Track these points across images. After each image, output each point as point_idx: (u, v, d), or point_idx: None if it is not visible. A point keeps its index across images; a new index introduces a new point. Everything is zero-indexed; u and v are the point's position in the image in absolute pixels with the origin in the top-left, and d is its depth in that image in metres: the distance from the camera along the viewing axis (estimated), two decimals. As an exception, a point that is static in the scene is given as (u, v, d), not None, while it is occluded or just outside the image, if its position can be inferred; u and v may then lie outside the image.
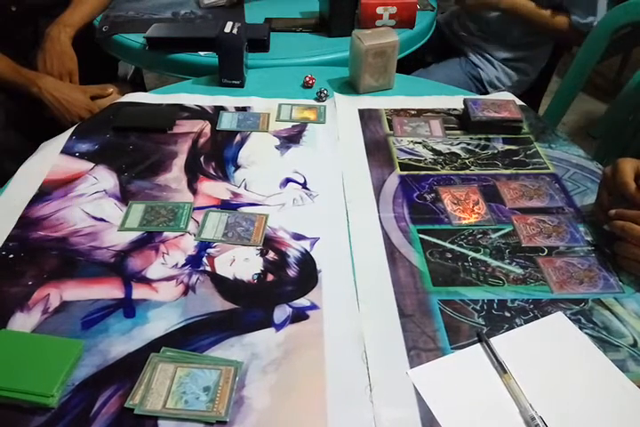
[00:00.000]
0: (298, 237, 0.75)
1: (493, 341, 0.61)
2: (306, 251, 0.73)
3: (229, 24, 1.04)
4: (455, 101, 1.03)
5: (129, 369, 0.58)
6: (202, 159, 0.89)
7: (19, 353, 0.58)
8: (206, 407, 0.54)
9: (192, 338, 0.61)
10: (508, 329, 0.63)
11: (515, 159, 0.91)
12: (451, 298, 0.67)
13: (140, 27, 1.27)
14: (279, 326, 0.63)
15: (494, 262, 0.72)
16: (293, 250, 0.73)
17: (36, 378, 0.55)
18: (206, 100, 1.04)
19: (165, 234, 0.74)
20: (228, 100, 1.04)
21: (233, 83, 1.08)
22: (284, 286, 0.68)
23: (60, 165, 0.86)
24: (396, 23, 1.30)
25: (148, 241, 0.73)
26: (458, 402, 0.56)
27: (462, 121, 0.99)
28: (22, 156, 0.86)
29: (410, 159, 0.90)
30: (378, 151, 0.92)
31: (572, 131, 2.33)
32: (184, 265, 0.70)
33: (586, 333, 0.63)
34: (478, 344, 0.62)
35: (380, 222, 0.77)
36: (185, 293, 0.67)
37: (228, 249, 0.73)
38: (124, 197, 0.81)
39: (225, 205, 0.80)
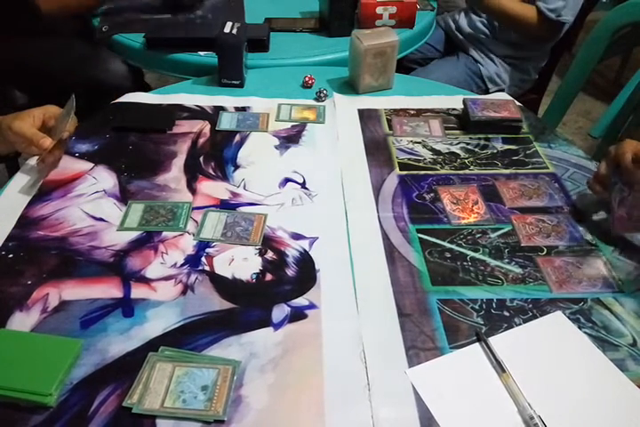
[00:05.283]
0: (297, 236, 0.75)
1: (492, 340, 0.61)
2: (304, 250, 0.73)
3: (229, 24, 1.04)
4: (454, 101, 1.03)
5: (127, 368, 0.58)
6: (201, 159, 0.89)
7: (17, 352, 0.58)
8: (204, 406, 0.54)
9: (190, 337, 0.61)
10: (506, 329, 0.63)
11: (514, 159, 0.91)
12: (449, 297, 0.67)
13: (140, 27, 1.27)
14: (277, 326, 0.63)
15: (493, 262, 0.72)
16: (292, 249, 0.73)
17: (35, 377, 0.55)
18: (206, 100, 1.04)
19: (164, 234, 0.75)
20: (228, 100, 1.04)
21: (233, 83, 1.08)
22: (282, 286, 0.68)
23: (60, 166, 0.86)
24: (396, 23, 1.30)
25: (147, 241, 0.73)
26: (456, 401, 0.56)
27: (462, 121, 0.99)
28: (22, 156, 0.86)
29: (409, 159, 0.90)
30: (377, 151, 0.92)
31: (571, 131, 2.33)
32: (183, 265, 0.70)
33: (585, 332, 0.63)
34: (477, 344, 0.62)
35: (379, 222, 0.77)
36: (183, 292, 0.67)
37: (227, 249, 0.73)
38: (124, 196, 0.81)
39: (224, 205, 0.80)
